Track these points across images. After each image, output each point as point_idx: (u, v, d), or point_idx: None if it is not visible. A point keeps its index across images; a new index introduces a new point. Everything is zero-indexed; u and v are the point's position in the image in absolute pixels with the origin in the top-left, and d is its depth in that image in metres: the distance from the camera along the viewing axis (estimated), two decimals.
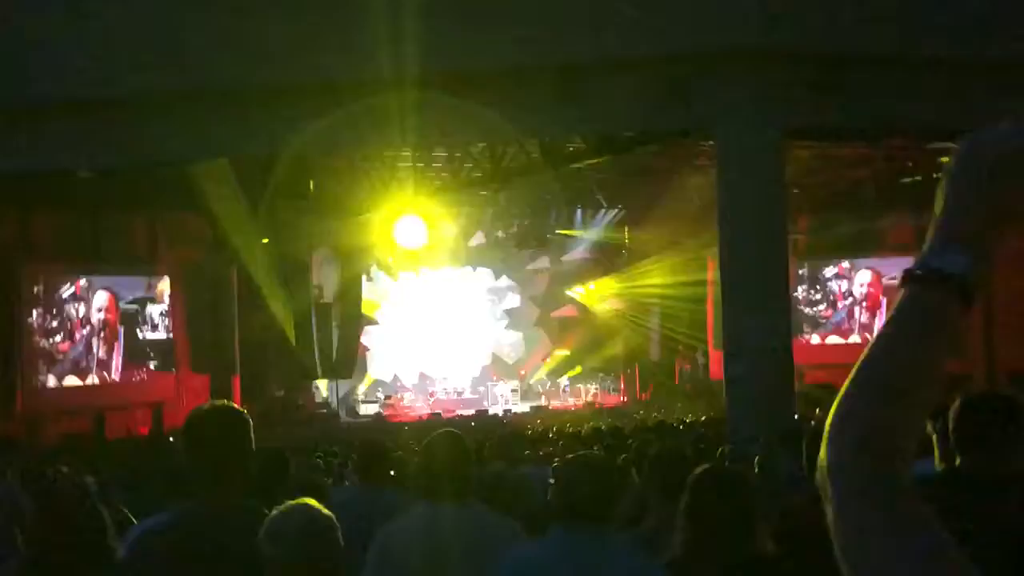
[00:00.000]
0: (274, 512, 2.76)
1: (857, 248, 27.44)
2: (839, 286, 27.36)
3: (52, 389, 23.34)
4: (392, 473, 6.51)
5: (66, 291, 23.98)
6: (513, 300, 32.68)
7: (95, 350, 24.36)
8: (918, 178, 24.22)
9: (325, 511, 2.73)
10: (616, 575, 3.28)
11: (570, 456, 3.93)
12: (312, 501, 2.84)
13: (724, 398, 14.66)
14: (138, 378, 25.03)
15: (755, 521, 3.38)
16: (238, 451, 3.19)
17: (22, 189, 20.68)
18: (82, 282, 24.24)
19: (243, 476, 3.20)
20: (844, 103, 13.47)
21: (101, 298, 24.47)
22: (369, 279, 30.42)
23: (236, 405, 3.40)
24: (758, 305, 13.25)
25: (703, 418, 20.44)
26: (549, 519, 3.51)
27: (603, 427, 18.67)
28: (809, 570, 3.32)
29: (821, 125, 15.56)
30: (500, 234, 30.26)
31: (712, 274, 25.39)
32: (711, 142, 14.89)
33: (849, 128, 17.48)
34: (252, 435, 3.25)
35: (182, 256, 25.46)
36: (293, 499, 4.84)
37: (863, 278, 27.07)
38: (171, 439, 21.64)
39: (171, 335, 25.42)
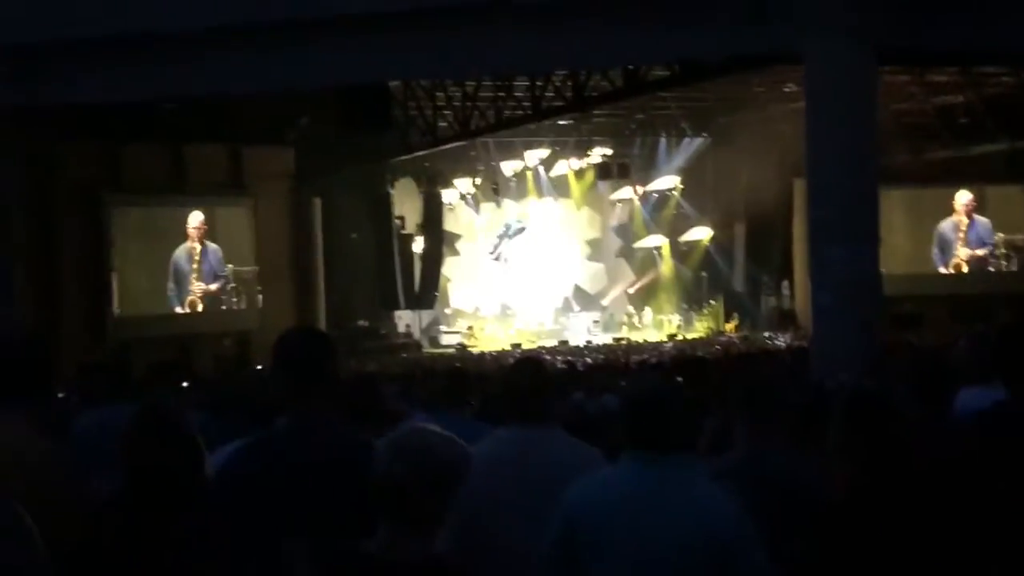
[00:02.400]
0: (398, 432, 2.73)
1: (949, 176, 26.83)
2: None
3: (140, 319, 23.80)
4: (472, 403, 6.49)
5: (151, 217, 24.37)
6: (595, 230, 32.49)
7: (182, 280, 24.73)
8: (1013, 105, 23.51)
9: (448, 441, 2.69)
10: (682, 505, 3.20)
11: (631, 384, 3.88)
12: (434, 428, 2.81)
13: (810, 329, 14.45)
14: (224, 308, 25.40)
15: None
16: (321, 370, 3.34)
17: (108, 123, 20.97)
18: (167, 212, 24.63)
19: (327, 395, 3.33)
20: (938, 25, 13.01)
21: (195, 219, 24.77)
22: (451, 209, 30.43)
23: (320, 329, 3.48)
24: (846, 234, 12.95)
25: (788, 348, 20.22)
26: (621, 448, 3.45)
27: (686, 358, 18.56)
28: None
29: (914, 48, 15.06)
30: (582, 164, 30.02)
31: (799, 202, 24.98)
32: (799, 66, 14.49)
33: (943, 52, 16.93)
34: (335, 357, 3.42)
35: (266, 187, 25.67)
36: (383, 424, 4.83)
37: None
38: (259, 368, 22.00)
39: (256, 266, 25.70)
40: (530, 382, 3.93)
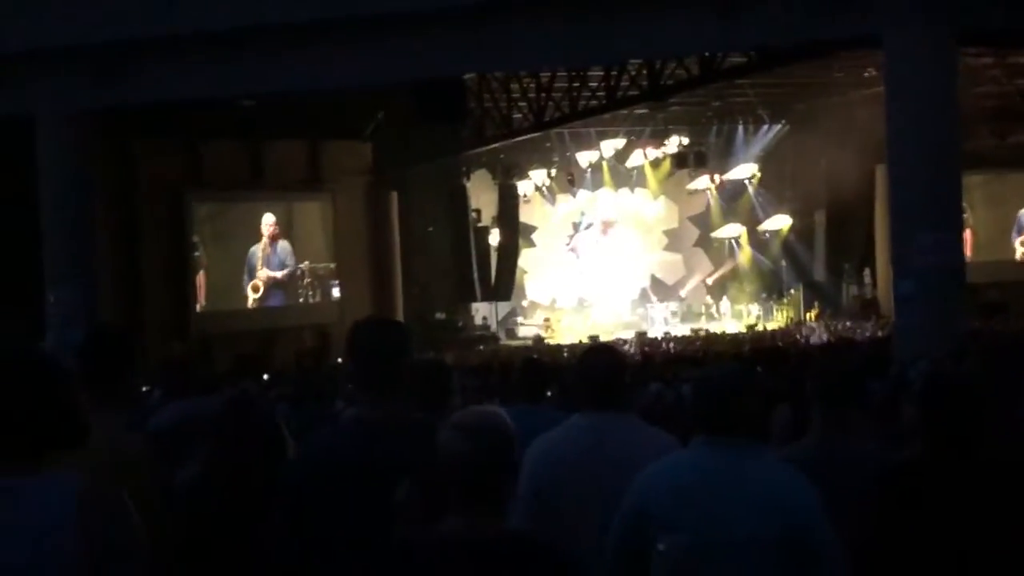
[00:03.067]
0: (455, 415, 2.76)
1: None
2: None
3: (221, 313, 24.19)
4: (549, 393, 6.50)
5: (232, 217, 24.79)
6: (672, 220, 32.30)
7: (262, 275, 25.12)
8: None
9: (505, 419, 2.71)
10: (754, 488, 3.18)
11: (704, 369, 3.84)
12: (494, 409, 2.83)
13: (893, 318, 14.27)
14: (304, 302, 25.73)
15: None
16: (397, 360, 3.32)
17: (188, 120, 21.30)
18: (247, 207, 25.04)
19: (403, 385, 3.31)
20: (1020, 5, 12.73)
21: (267, 220, 25.20)
22: (526, 201, 30.45)
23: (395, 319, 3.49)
24: (929, 220, 12.76)
25: (871, 337, 19.95)
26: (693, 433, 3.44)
27: (765, 348, 18.40)
28: None
29: (993, 28, 14.73)
30: (658, 153, 29.83)
31: (880, 188, 24.61)
32: (878, 50, 14.26)
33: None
34: (410, 347, 3.38)
35: (343, 182, 25.93)
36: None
37: None
38: (339, 360, 22.22)
39: (335, 260, 26.00)
40: (605, 368, 3.92)
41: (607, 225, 31.69)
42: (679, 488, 3.21)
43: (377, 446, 3.18)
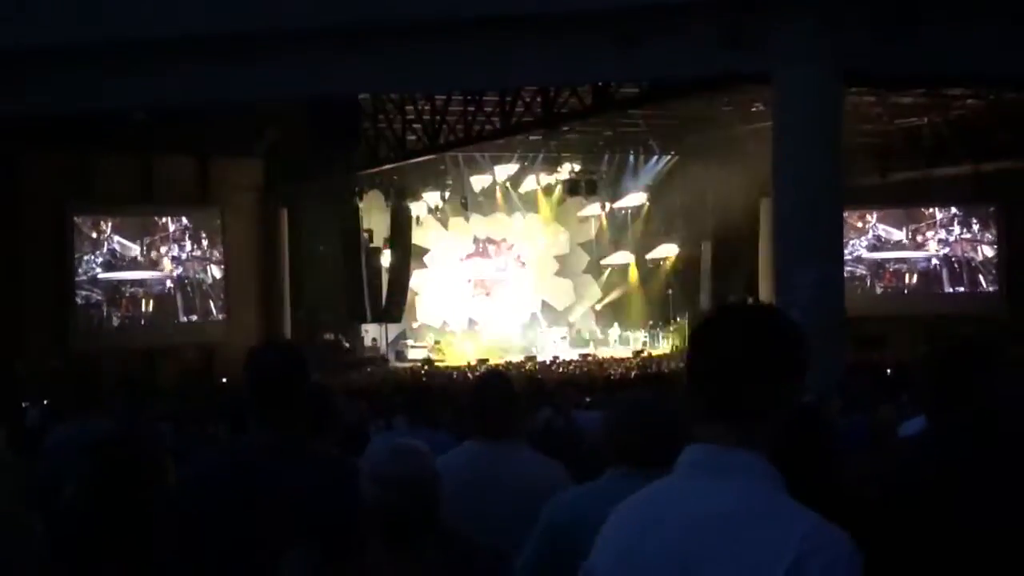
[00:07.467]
0: (383, 454, 2.74)
1: (914, 197, 27.10)
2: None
3: (104, 329, 23.65)
4: (440, 419, 6.50)
5: (117, 232, 24.27)
6: (563, 246, 32.57)
7: (147, 291, 24.63)
8: (978, 127, 23.82)
9: (426, 449, 2.72)
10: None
11: (623, 398, 3.82)
12: (417, 444, 2.82)
13: None
14: (189, 320, 25.29)
15: (833, 459, 3.32)
16: (294, 388, 3.28)
17: (76, 133, 20.83)
18: (133, 222, 24.54)
19: (299, 414, 3.28)
20: (905, 48, 13.16)
21: (152, 238, 24.74)
22: (419, 224, 30.42)
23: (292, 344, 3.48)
24: (811, 254, 13.07)
25: None
26: (601, 463, 3.42)
27: (651, 375, 18.64)
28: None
29: (881, 70, 15.23)
30: (551, 180, 30.11)
31: (765, 221, 25.17)
32: (767, 86, 14.62)
33: (909, 74, 17.11)
34: (307, 374, 3.37)
35: (233, 199, 25.60)
36: (340, 439, 4.84)
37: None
38: (224, 380, 21.89)
39: (222, 278, 25.63)
40: (499, 397, 3.93)
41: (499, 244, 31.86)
42: (600, 520, 3.19)
43: (268, 472, 3.14)
